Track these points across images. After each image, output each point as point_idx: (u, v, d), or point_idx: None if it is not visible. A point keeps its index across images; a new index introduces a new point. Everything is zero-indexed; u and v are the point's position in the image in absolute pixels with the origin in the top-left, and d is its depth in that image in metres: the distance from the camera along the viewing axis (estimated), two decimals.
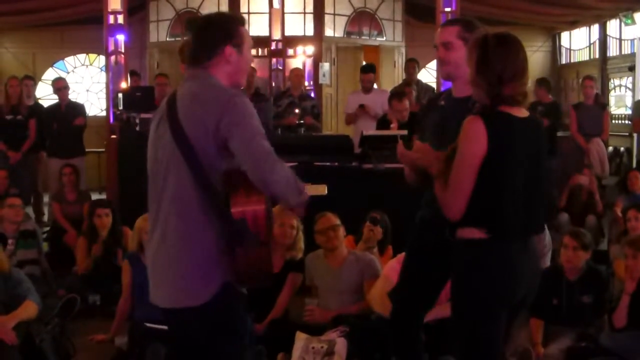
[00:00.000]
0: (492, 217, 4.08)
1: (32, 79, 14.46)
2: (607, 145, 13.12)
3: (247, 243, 3.67)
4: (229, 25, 4.01)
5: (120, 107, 11.20)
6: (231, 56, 3.94)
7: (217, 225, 3.72)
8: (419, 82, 13.93)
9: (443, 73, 5.08)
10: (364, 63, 15.57)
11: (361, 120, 11.91)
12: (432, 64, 17.38)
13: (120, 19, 12.27)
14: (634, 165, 13.88)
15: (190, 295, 3.81)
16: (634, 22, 16.24)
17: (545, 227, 8.49)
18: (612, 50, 18.01)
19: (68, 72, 18.76)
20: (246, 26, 4.11)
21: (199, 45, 3.98)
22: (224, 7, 17.44)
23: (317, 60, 17.08)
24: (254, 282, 3.91)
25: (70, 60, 19.06)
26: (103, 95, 15.88)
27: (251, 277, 3.80)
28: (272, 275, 3.86)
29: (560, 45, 20.17)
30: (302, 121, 12.03)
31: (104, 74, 15.21)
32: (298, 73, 12.87)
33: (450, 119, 4.54)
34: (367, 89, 12.25)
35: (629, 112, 15.89)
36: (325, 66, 17.03)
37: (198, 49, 3.98)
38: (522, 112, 4.12)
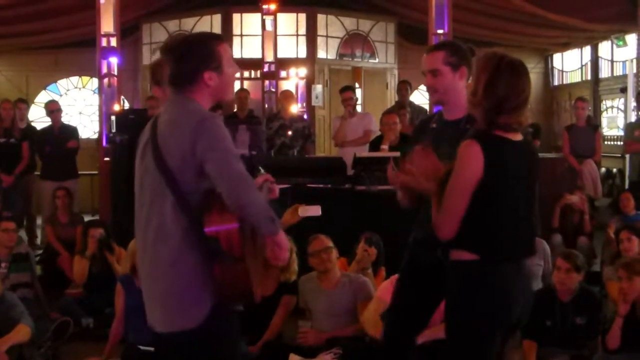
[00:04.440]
0: (487, 239, 4.09)
1: (26, 103, 14.49)
2: (599, 167, 13.12)
3: (220, 261, 3.69)
4: (205, 49, 3.95)
5: (113, 130, 11.20)
6: (211, 80, 3.92)
7: (201, 247, 3.74)
8: (411, 103, 13.97)
9: (433, 99, 5.10)
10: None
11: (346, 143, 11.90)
12: (424, 85, 17.41)
13: (113, 41, 12.32)
14: (626, 186, 13.88)
15: (184, 318, 3.82)
16: (625, 44, 16.30)
17: (545, 243, 8.55)
18: (604, 72, 18.07)
19: (61, 95, 18.79)
20: (224, 42, 4.04)
21: (177, 72, 3.95)
22: (217, 30, 17.47)
23: (309, 82, 17.13)
24: (234, 300, 3.93)
25: (63, 83, 19.08)
26: (96, 117, 15.91)
27: (229, 295, 3.81)
28: (252, 293, 3.83)
29: (552, 67, 20.24)
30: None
31: (97, 97, 15.26)
32: (286, 95, 12.86)
33: (441, 141, 4.56)
34: (349, 109, 12.11)
35: (621, 133, 15.90)
36: (318, 88, 17.09)
37: (177, 76, 3.96)
38: (517, 136, 4.14)
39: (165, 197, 3.78)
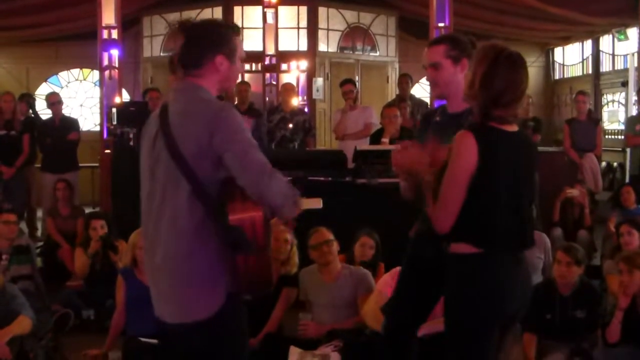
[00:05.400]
0: (483, 231, 4.09)
1: (32, 98, 14.54)
2: (600, 161, 13.13)
3: (245, 251, 3.68)
4: (222, 33, 3.96)
5: (114, 122, 11.21)
6: (222, 65, 3.92)
7: (218, 237, 3.73)
8: (412, 97, 13.96)
9: (435, 93, 5.10)
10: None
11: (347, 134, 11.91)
12: (425, 79, 17.38)
13: (114, 34, 12.35)
14: (627, 180, 13.89)
15: (198, 309, 3.81)
16: (626, 38, 16.30)
17: (545, 236, 8.57)
18: (605, 66, 18.07)
19: (62, 87, 18.77)
20: (240, 37, 4.04)
21: (189, 51, 3.94)
22: None
23: (310, 76, 17.10)
24: (255, 289, 3.92)
25: (64, 75, 19.06)
26: (97, 110, 15.90)
27: (252, 284, 3.80)
28: (272, 282, 3.85)
29: (553, 61, 20.23)
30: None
31: (97, 89, 15.26)
32: (287, 88, 12.87)
33: (445, 134, 4.54)
34: (350, 102, 12.10)
35: (622, 127, 15.91)
36: (319, 81, 17.05)
37: (188, 55, 3.94)
38: (512, 127, 4.14)
39: (180, 187, 3.75)
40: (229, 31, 3.99)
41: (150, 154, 3.93)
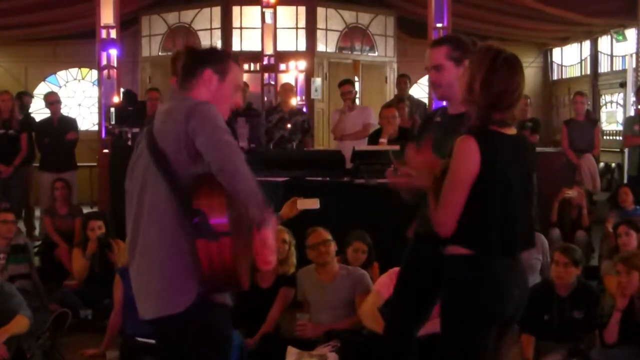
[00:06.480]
0: (481, 234, 4.07)
1: (30, 96, 14.52)
2: (598, 161, 13.13)
3: (205, 235, 3.69)
4: (218, 54, 4.13)
5: (112, 122, 11.21)
6: (211, 80, 4.02)
7: (192, 233, 3.75)
8: (410, 97, 13.94)
9: (437, 95, 5.07)
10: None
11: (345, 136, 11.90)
12: (424, 80, 17.45)
13: (113, 33, 12.35)
14: (625, 180, 13.89)
15: (169, 304, 3.84)
16: (625, 39, 16.30)
17: (543, 237, 8.57)
18: (604, 67, 18.07)
19: (60, 87, 18.78)
20: (238, 66, 4.15)
21: (185, 64, 4.09)
22: (216, 23, 17.51)
23: (309, 75, 17.09)
24: (219, 281, 3.82)
25: (62, 75, 19.07)
26: (95, 109, 15.90)
27: (214, 274, 3.75)
28: (238, 276, 3.80)
29: (551, 62, 20.23)
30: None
31: (96, 88, 15.26)
32: (287, 88, 12.85)
33: (446, 135, 4.52)
34: (348, 102, 12.09)
35: (620, 128, 15.91)
36: (317, 81, 17.05)
37: (184, 68, 4.09)
38: (511, 130, 4.13)
39: (158, 182, 3.81)
40: (226, 56, 4.15)
41: (135, 151, 4.05)
